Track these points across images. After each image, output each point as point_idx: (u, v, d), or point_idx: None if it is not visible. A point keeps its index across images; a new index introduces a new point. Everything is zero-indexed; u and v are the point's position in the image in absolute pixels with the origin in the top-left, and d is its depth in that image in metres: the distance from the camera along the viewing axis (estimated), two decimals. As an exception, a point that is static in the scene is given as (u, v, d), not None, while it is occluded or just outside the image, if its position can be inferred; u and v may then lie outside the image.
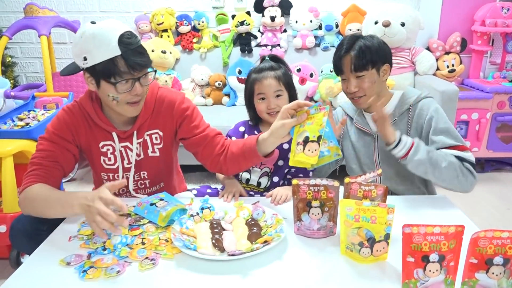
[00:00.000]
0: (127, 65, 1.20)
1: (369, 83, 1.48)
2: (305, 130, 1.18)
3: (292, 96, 1.58)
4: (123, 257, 1.06)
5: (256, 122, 1.65)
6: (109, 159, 1.40)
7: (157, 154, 1.44)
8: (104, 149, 1.39)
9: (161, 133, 1.42)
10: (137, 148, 1.40)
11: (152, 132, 1.41)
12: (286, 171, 1.58)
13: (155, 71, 1.32)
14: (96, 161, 1.41)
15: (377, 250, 1.02)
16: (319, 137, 1.14)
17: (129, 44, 1.20)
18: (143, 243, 1.11)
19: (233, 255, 1.03)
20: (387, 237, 1.02)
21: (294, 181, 1.15)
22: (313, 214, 1.15)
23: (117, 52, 1.18)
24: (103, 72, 1.21)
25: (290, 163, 1.22)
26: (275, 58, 1.62)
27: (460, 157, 1.39)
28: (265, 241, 1.08)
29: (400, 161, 1.40)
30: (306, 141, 1.17)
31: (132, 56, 1.20)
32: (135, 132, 1.38)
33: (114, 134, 1.37)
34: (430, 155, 1.36)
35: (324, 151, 1.18)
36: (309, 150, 1.15)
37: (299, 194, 1.15)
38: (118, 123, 1.38)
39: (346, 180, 1.17)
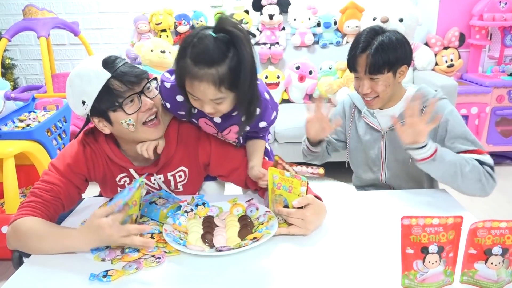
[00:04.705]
0: (122, 82, 1.12)
1: (383, 86, 1.40)
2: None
3: (243, 95, 1.10)
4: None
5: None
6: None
7: (181, 189, 1.37)
8: (122, 182, 1.32)
9: (185, 169, 1.34)
10: (154, 184, 1.34)
11: (176, 171, 1.33)
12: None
13: (155, 79, 1.22)
14: (112, 191, 1.33)
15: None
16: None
17: (114, 63, 1.13)
18: (152, 237, 1.12)
19: (220, 251, 1.04)
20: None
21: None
22: (266, 197, 1.24)
23: (107, 74, 1.11)
24: (105, 102, 1.12)
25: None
26: (225, 30, 1.05)
27: (480, 161, 1.33)
28: (254, 238, 1.08)
29: (417, 163, 1.31)
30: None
31: (123, 73, 1.12)
32: (154, 173, 1.30)
33: (132, 170, 1.28)
34: (454, 159, 1.30)
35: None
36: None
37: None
38: (136, 157, 1.27)
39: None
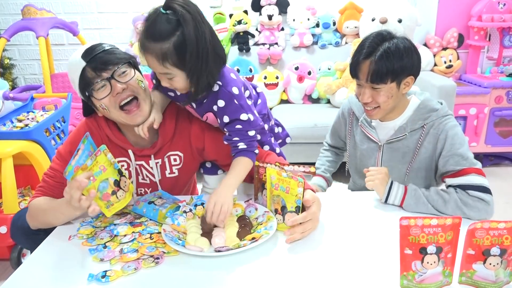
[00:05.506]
0: (92, 69, 1.17)
1: (384, 97, 1.33)
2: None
3: (189, 73, 1.11)
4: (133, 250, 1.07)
5: None
6: None
7: (176, 174, 1.39)
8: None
9: (181, 154, 1.36)
10: (153, 168, 1.35)
11: (171, 153, 1.35)
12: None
13: (129, 63, 1.22)
14: None
15: (288, 219, 1.12)
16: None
17: (93, 51, 1.18)
18: (151, 238, 1.12)
19: (219, 251, 1.04)
20: (298, 209, 1.13)
21: (256, 163, 1.25)
22: (264, 195, 1.23)
23: (82, 64, 1.17)
24: (82, 89, 1.20)
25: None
26: (171, 8, 1.06)
27: (464, 186, 1.26)
28: (253, 238, 1.08)
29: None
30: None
31: (95, 60, 1.17)
32: (152, 155, 1.32)
33: (130, 152, 1.31)
34: (425, 204, 1.25)
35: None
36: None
37: (258, 175, 1.25)
38: (136, 142, 1.33)
39: (256, 163, 1.25)
